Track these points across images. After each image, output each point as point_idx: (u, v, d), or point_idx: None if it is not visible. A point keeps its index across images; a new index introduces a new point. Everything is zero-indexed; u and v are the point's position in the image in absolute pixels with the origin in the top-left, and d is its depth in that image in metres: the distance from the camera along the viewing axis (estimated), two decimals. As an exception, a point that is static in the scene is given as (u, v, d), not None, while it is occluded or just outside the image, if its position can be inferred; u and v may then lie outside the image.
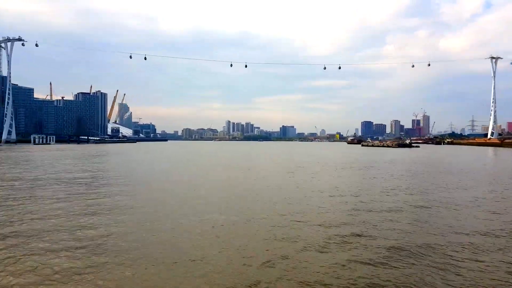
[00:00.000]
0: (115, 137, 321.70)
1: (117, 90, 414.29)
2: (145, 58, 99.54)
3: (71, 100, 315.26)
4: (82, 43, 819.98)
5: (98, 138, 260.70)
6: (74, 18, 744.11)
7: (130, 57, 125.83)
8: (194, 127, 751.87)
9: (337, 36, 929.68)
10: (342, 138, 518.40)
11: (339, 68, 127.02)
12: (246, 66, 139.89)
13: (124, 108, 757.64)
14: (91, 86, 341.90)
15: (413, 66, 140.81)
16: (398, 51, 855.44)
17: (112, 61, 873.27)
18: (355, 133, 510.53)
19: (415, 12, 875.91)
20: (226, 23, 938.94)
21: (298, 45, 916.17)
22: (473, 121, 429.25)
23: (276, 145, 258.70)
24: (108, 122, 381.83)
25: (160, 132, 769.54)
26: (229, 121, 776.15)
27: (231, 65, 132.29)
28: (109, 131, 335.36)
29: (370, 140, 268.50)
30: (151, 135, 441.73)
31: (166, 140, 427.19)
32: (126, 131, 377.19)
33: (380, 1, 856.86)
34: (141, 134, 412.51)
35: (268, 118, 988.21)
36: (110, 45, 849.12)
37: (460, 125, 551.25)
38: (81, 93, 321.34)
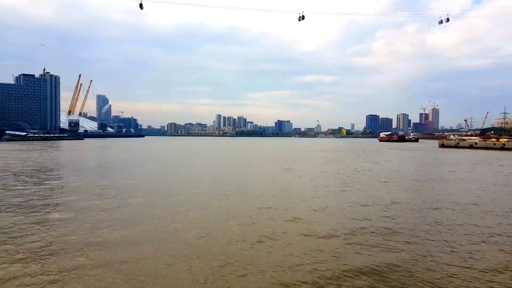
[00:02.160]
0: (71, 132, 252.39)
1: (91, 80, 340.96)
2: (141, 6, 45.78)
3: (8, 84, 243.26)
4: (66, 36, 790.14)
5: (31, 134, 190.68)
6: (56, 11, 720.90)
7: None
8: (182, 122, 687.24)
9: (326, 32, 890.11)
10: (349, 133, 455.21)
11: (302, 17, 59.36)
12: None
13: (102, 100, 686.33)
14: (44, 69, 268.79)
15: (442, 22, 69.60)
16: (387, 47, 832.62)
17: (97, 56, 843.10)
18: (365, 128, 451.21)
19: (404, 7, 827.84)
20: (215, 17, 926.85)
21: (287, 40, 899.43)
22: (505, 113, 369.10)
23: (276, 143, 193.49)
24: (71, 114, 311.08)
25: (145, 127, 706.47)
26: (219, 115, 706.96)
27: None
28: (64, 124, 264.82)
29: (456, 137, 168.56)
30: (124, 130, 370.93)
31: (142, 136, 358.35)
32: (90, 125, 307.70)
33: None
34: (110, 129, 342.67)
35: (261, 113, 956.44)
36: (94, 39, 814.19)
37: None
38: (24, 75, 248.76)
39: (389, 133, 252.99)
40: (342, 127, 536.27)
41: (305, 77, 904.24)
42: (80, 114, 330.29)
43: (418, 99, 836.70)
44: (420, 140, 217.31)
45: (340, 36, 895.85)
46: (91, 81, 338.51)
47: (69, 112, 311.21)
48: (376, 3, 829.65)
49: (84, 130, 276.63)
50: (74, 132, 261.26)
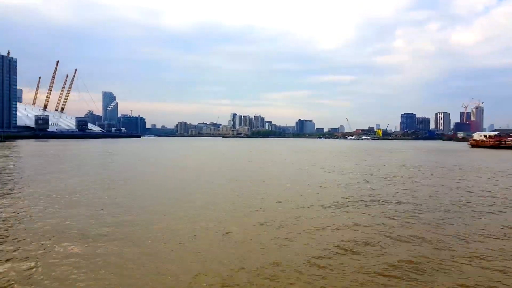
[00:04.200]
0: (37, 131, 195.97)
1: (75, 70, 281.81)
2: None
3: None
4: (82, 37, 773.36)
5: None
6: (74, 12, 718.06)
7: None
8: (197, 122, 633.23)
9: (345, 30, 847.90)
10: (386, 134, 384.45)
11: None
12: None
13: (108, 98, 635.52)
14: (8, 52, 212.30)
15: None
16: (408, 45, 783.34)
17: (113, 57, 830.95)
18: (405, 129, 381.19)
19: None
20: (231, 17, 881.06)
21: (304, 39, 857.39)
22: None
23: (299, 145, 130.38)
24: (45, 110, 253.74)
25: (158, 127, 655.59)
26: (234, 114, 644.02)
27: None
28: (26, 121, 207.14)
29: None
30: (113, 128, 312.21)
31: (137, 136, 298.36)
32: (67, 123, 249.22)
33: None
34: (94, 127, 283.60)
35: (279, 114, 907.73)
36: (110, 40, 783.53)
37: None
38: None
39: (493, 133, 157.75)
40: (372, 127, 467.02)
41: (323, 76, 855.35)
42: (62, 110, 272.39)
43: (442, 99, 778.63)
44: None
45: (358, 35, 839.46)
46: (75, 71, 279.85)
47: (45, 107, 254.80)
48: (394, 1, 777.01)
49: (56, 129, 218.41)
50: (41, 131, 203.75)
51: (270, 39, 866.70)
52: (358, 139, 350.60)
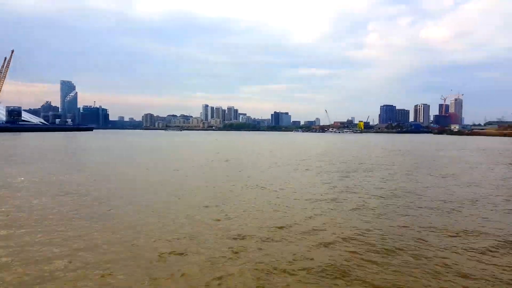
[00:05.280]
0: None
1: (12, 51, 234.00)
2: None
3: None
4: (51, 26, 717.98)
5: None
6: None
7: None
8: (166, 114, 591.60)
9: (320, 24, 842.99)
10: (368, 127, 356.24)
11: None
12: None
13: (67, 87, 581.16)
14: None
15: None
16: (380, 39, 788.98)
17: (82, 47, 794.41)
18: (383, 121, 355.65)
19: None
20: (206, 7, 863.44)
21: (279, 32, 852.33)
22: None
23: (277, 142, 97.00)
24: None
25: (117, 119, 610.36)
26: (206, 105, 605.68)
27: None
28: None
29: None
30: (57, 120, 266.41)
31: (89, 129, 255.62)
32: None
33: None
34: (34, 119, 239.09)
35: (255, 107, 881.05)
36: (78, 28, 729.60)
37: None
38: None
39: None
40: (351, 119, 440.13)
41: (299, 69, 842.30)
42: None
43: (416, 93, 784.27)
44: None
45: (333, 28, 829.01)
46: (12, 52, 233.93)
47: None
48: None
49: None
50: None
51: (245, 31, 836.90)
52: (339, 132, 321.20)
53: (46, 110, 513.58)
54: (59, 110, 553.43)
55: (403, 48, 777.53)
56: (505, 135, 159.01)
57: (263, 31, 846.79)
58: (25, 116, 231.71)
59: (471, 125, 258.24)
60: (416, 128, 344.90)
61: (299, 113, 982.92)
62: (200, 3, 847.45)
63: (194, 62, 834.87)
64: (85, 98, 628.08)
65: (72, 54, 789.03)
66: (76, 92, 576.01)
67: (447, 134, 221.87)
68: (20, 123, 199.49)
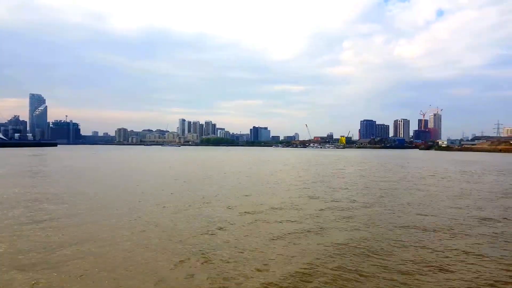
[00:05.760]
0: None
1: None
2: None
3: None
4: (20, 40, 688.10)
5: None
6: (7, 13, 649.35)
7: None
8: (141, 129, 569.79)
9: (296, 42, 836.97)
10: (349, 142, 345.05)
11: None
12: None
13: (36, 101, 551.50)
14: None
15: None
16: (355, 57, 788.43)
17: (55, 61, 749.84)
18: (363, 136, 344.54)
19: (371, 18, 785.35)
20: (182, 23, 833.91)
21: (256, 49, 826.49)
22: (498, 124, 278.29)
23: (256, 159, 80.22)
24: None
25: (91, 134, 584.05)
26: (183, 120, 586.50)
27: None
28: None
29: None
30: (16, 135, 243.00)
31: (52, 145, 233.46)
32: None
33: (336, 7, 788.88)
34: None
35: (234, 122, 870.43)
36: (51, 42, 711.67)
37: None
38: None
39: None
40: (331, 134, 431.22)
41: (276, 86, 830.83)
42: None
43: (392, 108, 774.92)
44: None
45: (309, 46, 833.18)
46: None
47: None
48: (342, 14, 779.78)
49: None
50: None
51: (222, 47, 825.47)
52: (321, 147, 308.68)
53: (13, 124, 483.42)
54: (27, 125, 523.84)
55: (378, 65, 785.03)
56: (500, 150, 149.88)
57: (240, 48, 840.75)
58: None
59: (459, 140, 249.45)
60: (400, 143, 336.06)
61: (277, 128, 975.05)
62: (176, 19, 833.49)
63: (170, 77, 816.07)
64: (58, 113, 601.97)
65: (46, 68, 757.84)
66: (46, 106, 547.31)
67: (436, 149, 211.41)
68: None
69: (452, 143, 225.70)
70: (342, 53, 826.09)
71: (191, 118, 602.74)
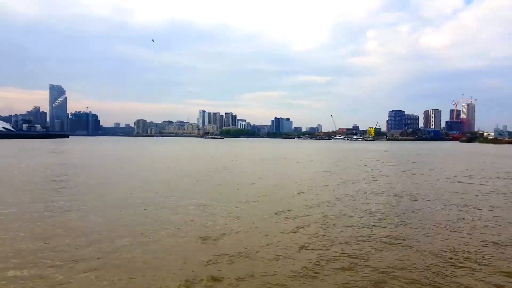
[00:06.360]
0: None
1: None
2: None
3: None
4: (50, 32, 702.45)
5: None
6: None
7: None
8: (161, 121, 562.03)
9: (319, 32, 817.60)
10: (379, 134, 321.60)
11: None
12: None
13: (56, 92, 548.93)
14: None
15: None
16: (380, 47, 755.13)
17: (81, 55, 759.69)
18: (391, 128, 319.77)
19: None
20: (205, 16, 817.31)
21: (279, 40, 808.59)
22: None
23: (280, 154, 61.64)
24: None
25: (113, 126, 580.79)
26: (203, 111, 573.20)
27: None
28: None
29: None
30: (24, 126, 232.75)
31: (64, 136, 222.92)
32: None
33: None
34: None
35: (256, 114, 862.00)
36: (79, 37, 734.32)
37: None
38: None
39: None
40: (357, 125, 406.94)
41: (299, 77, 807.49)
42: None
43: (417, 100, 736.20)
44: None
45: (332, 36, 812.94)
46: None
47: None
48: (366, 3, 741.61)
49: None
50: None
51: (245, 39, 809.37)
52: (348, 139, 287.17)
53: (34, 116, 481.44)
54: (47, 116, 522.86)
55: (403, 55, 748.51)
56: None
57: (262, 39, 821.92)
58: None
59: (508, 132, 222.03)
60: (436, 135, 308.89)
61: (299, 120, 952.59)
62: (198, 12, 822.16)
63: (192, 70, 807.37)
64: (81, 106, 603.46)
65: (72, 61, 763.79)
66: (66, 97, 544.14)
67: (480, 142, 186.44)
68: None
69: (500, 134, 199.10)
70: (366, 43, 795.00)
71: (212, 110, 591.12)
